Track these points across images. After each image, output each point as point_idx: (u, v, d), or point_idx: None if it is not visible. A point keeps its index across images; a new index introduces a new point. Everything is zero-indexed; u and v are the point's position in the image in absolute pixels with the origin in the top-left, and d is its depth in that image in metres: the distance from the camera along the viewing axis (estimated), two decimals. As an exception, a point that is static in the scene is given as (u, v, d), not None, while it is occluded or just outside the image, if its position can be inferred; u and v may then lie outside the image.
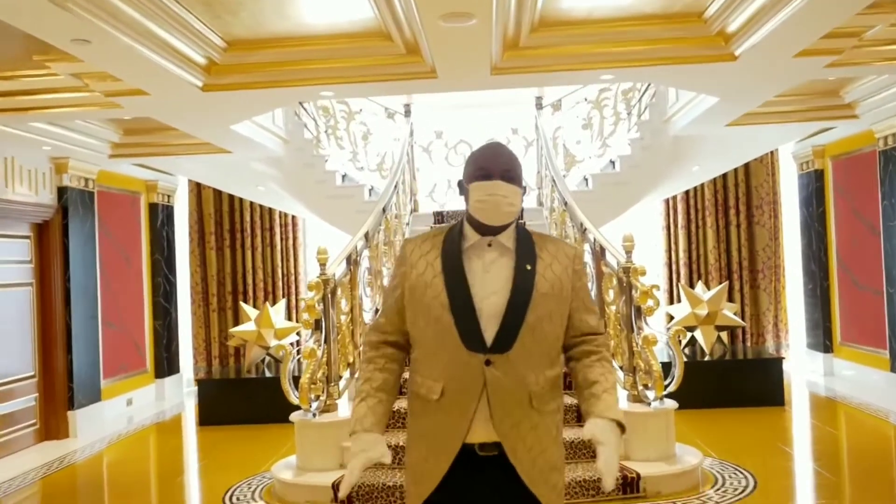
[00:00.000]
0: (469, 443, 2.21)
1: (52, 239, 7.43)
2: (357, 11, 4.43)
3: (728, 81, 5.30)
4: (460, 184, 2.42)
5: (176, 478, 6.34)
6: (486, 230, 2.27)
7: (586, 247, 6.12)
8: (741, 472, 5.24)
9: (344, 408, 5.41)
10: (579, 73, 5.06)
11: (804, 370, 9.42)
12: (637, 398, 5.32)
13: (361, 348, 2.65)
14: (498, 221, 2.26)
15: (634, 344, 5.32)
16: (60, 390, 7.43)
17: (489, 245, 2.28)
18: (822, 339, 9.11)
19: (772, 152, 9.60)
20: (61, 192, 7.49)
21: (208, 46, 4.74)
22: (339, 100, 8.24)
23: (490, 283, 2.23)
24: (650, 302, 5.28)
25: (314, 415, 5.23)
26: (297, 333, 8.71)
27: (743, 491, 4.90)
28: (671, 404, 5.25)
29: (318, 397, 5.30)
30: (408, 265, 2.40)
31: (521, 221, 2.44)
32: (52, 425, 7.40)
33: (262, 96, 5.20)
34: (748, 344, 9.60)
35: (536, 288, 2.24)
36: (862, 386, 8.20)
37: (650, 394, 5.25)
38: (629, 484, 4.82)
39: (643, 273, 5.26)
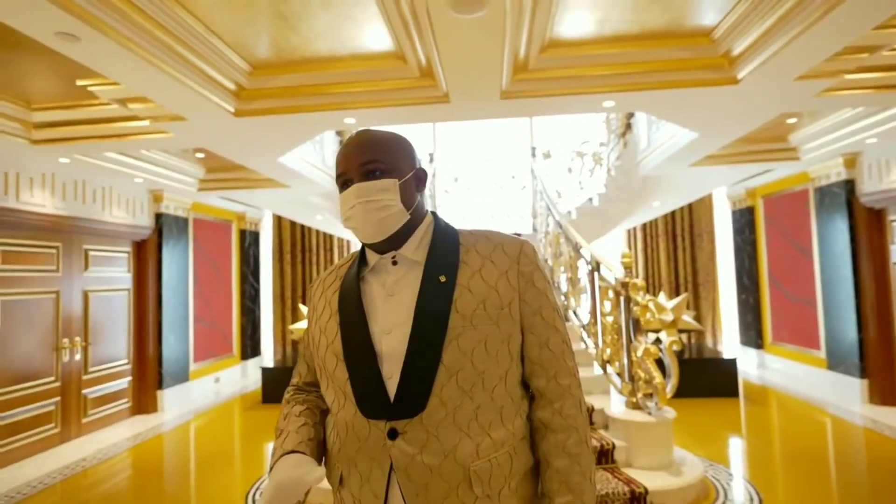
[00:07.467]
0: None
1: (148, 254, 5.79)
2: (378, 40, 2.76)
3: (722, 108, 3.50)
4: None
5: (246, 447, 4.62)
6: (382, 246, 1.01)
7: (581, 263, 4.32)
8: (747, 485, 3.35)
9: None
10: (583, 99, 3.29)
11: (738, 362, 7.39)
12: (636, 406, 3.48)
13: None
14: (376, 235, 0.98)
15: (633, 354, 3.50)
16: (151, 374, 5.75)
17: (394, 262, 1.00)
18: (755, 338, 7.15)
19: (710, 194, 7.77)
20: (158, 217, 5.88)
21: (233, 69, 3.08)
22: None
23: (392, 312, 0.95)
24: (648, 315, 3.47)
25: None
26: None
27: (751, 507, 3.02)
28: (671, 413, 3.41)
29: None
30: (311, 308, 1.09)
31: (442, 220, 1.06)
32: (142, 402, 5.71)
33: (289, 123, 3.50)
34: (692, 341, 7.66)
35: (455, 307, 0.93)
36: (793, 378, 6.23)
37: (650, 402, 3.42)
38: (636, 499, 2.97)
39: (643, 289, 3.45)
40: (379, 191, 0.96)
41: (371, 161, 0.98)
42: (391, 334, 0.94)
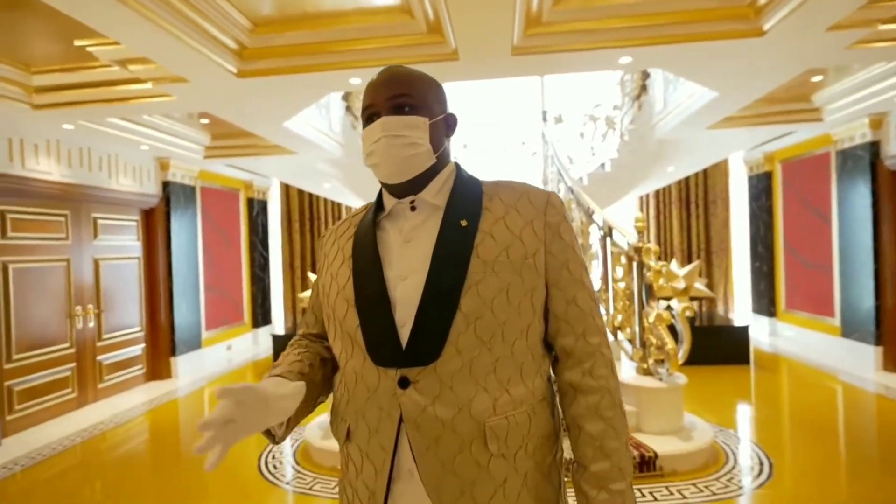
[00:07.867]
0: None
1: (157, 222, 5.78)
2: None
3: (746, 63, 3.33)
4: None
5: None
6: (401, 189, 0.93)
7: (593, 228, 4.24)
8: (756, 450, 3.33)
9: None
10: (598, 54, 3.14)
11: (750, 330, 7.33)
12: (647, 372, 3.45)
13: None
14: (399, 175, 0.90)
15: (645, 320, 3.45)
16: (164, 341, 5.82)
17: (412, 208, 0.93)
18: (767, 305, 7.06)
19: (726, 159, 7.55)
20: (165, 185, 5.84)
21: (234, 26, 2.96)
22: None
23: (409, 258, 0.88)
24: (661, 280, 3.40)
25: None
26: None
27: (759, 474, 3.01)
28: (681, 379, 3.38)
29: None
30: (322, 256, 1.04)
31: (465, 170, 0.98)
32: (156, 369, 5.80)
33: (293, 84, 3.39)
34: (704, 309, 7.59)
35: (477, 253, 0.85)
36: (805, 346, 6.16)
37: (661, 369, 3.38)
38: (646, 463, 2.98)
39: (657, 253, 3.38)
40: (407, 126, 0.89)
41: (401, 95, 0.89)
42: (407, 280, 0.87)
